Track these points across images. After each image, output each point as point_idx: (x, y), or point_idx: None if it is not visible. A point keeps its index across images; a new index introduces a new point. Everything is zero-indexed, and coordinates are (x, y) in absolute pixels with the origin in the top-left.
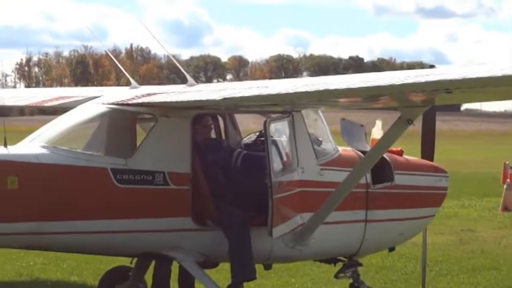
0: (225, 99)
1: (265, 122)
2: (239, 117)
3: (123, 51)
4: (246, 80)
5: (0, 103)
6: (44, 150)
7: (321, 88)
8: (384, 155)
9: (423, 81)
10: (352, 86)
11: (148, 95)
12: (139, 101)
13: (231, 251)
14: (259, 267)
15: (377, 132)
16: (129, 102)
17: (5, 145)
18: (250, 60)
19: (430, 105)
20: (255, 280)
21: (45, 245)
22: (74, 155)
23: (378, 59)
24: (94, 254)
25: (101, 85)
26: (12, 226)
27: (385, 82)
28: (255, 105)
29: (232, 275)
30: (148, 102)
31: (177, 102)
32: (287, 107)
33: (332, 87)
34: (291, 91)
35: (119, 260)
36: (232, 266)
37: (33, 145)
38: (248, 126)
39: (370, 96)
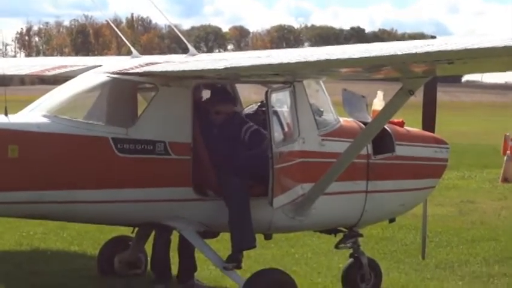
0: (226, 68)
1: (266, 92)
2: (240, 88)
3: (124, 20)
4: (247, 50)
5: (1, 72)
6: (44, 120)
7: (323, 58)
8: (385, 126)
9: (425, 51)
10: (353, 56)
11: (150, 64)
12: (141, 70)
13: (231, 220)
14: (259, 237)
15: (378, 103)
16: (130, 71)
17: (6, 114)
18: (251, 31)
19: (431, 76)
20: (255, 249)
21: (45, 214)
22: (75, 124)
23: (379, 29)
24: (94, 224)
25: (102, 55)
26: (12, 195)
27: (387, 52)
28: (256, 75)
29: (233, 244)
30: (150, 72)
31: (178, 71)
32: (289, 77)
33: (334, 57)
34: (292, 61)
35: (119, 230)
36: (232, 236)
37: (34, 114)
38: (249, 96)
39: (372, 67)
